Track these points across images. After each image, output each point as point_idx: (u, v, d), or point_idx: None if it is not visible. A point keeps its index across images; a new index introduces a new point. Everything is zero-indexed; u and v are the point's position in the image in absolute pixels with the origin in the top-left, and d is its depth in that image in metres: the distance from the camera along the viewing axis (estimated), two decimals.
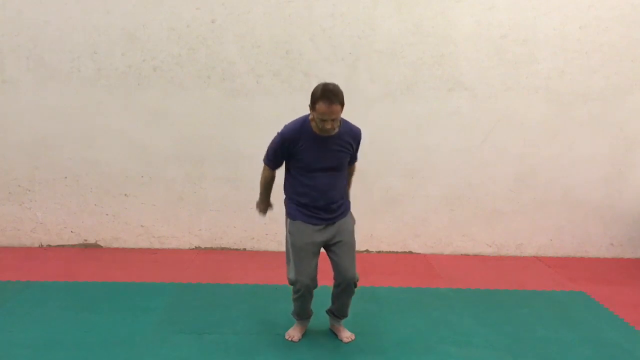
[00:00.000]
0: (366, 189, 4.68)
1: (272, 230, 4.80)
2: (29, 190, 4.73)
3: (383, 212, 4.84)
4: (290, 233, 3.01)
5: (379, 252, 4.91)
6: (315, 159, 2.88)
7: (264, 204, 3.22)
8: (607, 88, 4.69)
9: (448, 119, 4.71)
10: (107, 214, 4.78)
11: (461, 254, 4.92)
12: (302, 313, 3.16)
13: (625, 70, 4.67)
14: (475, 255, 4.91)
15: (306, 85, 4.47)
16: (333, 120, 2.76)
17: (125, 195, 4.76)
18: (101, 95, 4.60)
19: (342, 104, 2.77)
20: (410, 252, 4.91)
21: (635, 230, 4.92)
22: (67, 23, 4.49)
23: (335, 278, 3.04)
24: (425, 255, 4.88)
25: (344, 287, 3.03)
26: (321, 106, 2.72)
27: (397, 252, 4.91)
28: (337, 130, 2.86)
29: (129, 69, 4.57)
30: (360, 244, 4.75)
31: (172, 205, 4.79)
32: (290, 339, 3.13)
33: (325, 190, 2.92)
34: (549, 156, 4.80)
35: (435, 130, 4.73)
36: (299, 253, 2.96)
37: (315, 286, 3.03)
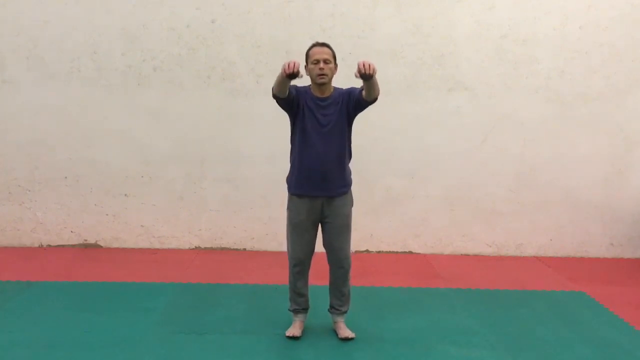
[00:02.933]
0: (366, 189, 4.67)
1: (272, 230, 4.80)
2: (29, 190, 4.73)
3: (383, 212, 4.84)
4: (288, 209, 3.11)
5: (379, 252, 4.90)
6: (313, 120, 2.98)
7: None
8: (607, 88, 4.69)
9: (448, 119, 4.71)
10: (107, 214, 4.78)
11: (461, 254, 4.92)
12: (297, 299, 3.17)
13: (625, 70, 4.67)
14: (475, 255, 4.91)
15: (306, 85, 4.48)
16: (325, 61, 2.92)
17: (125, 195, 4.76)
18: (101, 95, 4.60)
19: (333, 53, 2.98)
20: (410, 252, 4.91)
21: (635, 230, 4.92)
22: (67, 23, 4.50)
23: (328, 260, 3.13)
24: (425, 255, 4.88)
25: (337, 269, 3.11)
26: (314, 49, 2.99)
27: (397, 252, 4.91)
28: (330, 78, 2.96)
29: (129, 69, 4.57)
30: (360, 244, 4.77)
31: (172, 205, 4.79)
32: (291, 335, 3.13)
33: (323, 157, 2.97)
34: (549, 156, 4.79)
35: (435, 130, 4.73)
36: (294, 228, 3.08)
37: (308, 263, 3.12)
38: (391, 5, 4.54)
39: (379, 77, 4.58)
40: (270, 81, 4.54)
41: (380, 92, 4.71)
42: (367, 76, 2.73)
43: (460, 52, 4.62)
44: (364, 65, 2.71)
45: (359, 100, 2.95)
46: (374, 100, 2.94)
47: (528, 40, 4.61)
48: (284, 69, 2.77)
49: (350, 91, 3.01)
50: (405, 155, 4.76)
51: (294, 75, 2.76)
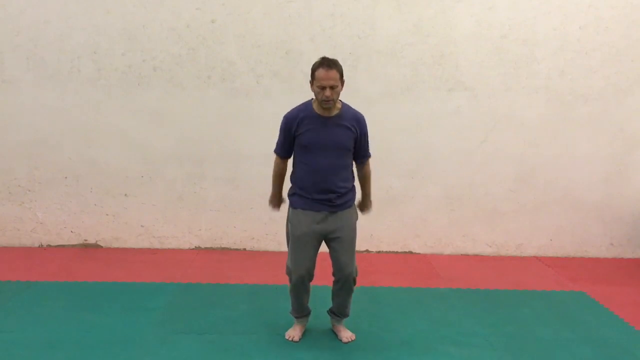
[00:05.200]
0: None
1: (272, 230, 4.80)
2: (29, 190, 4.73)
3: (383, 212, 4.84)
4: (290, 222, 3.03)
5: (379, 252, 4.91)
6: (316, 138, 2.90)
7: (277, 198, 3.20)
8: (607, 88, 4.69)
9: (448, 119, 4.71)
10: (107, 214, 4.78)
11: (461, 254, 4.92)
12: (299, 308, 3.15)
13: (625, 70, 4.67)
14: (475, 255, 4.91)
15: (306, 85, 4.44)
16: (332, 87, 2.80)
17: (125, 195, 4.76)
18: (101, 95, 4.60)
19: (340, 73, 2.84)
20: (410, 252, 4.91)
21: (635, 230, 4.92)
22: (67, 23, 4.49)
23: (334, 274, 3.06)
24: (425, 255, 4.88)
25: (343, 284, 3.05)
26: (320, 72, 2.81)
27: (397, 252, 4.91)
28: (336, 101, 2.89)
29: (129, 69, 4.57)
30: (360, 244, 4.74)
31: (172, 205, 4.79)
32: (290, 339, 3.13)
33: (326, 173, 2.91)
34: (549, 156, 4.80)
35: (435, 130, 4.73)
36: (296, 243, 2.98)
37: (311, 279, 3.05)
38: (391, 5, 4.54)
39: (379, 76, 4.61)
40: (270, 81, 4.60)
41: (380, 93, 4.72)
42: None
43: (460, 52, 4.62)
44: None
45: (354, 156, 3.07)
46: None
47: (528, 40, 4.61)
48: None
49: (363, 136, 3.02)
50: (405, 155, 4.76)
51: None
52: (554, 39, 4.61)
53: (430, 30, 4.58)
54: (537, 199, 4.86)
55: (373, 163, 4.66)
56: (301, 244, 2.96)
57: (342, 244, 2.98)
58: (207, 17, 4.52)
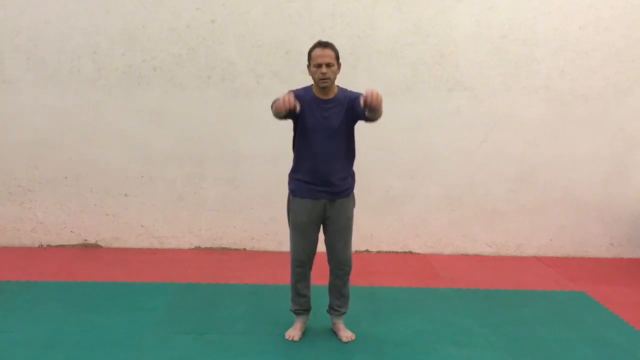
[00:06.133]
0: (366, 189, 4.67)
1: (272, 230, 4.80)
2: (29, 190, 4.73)
3: (383, 212, 4.84)
4: (290, 209, 3.09)
5: (379, 252, 4.90)
6: (315, 123, 2.94)
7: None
8: (607, 88, 4.69)
9: (448, 119, 4.71)
10: (107, 214, 4.78)
11: (461, 254, 4.92)
12: (299, 300, 3.16)
13: (625, 70, 4.67)
14: (475, 255, 4.91)
15: (306, 85, 4.48)
16: (328, 65, 2.86)
17: (125, 195, 4.76)
18: (101, 95, 4.60)
19: (336, 53, 2.92)
20: (410, 252, 4.91)
21: (635, 230, 4.92)
22: (67, 23, 4.50)
23: (328, 261, 3.13)
24: (425, 255, 4.88)
25: (337, 271, 3.11)
26: (316, 51, 2.91)
27: (397, 252, 4.91)
28: (333, 81, 2.92)
29: (129, 69, 4.57)
30: (360, 244, 4.77)
31: (172, 205, 4.79)
32: (290, 338, 3.13)
33: (325, 160, 2.95)
34: (549, 156, 4.80)
35: (435, 130, 4.73)
36: (296, 230, 3.06)
37: (311, 264, 3.12)
38: (391, 5, 4.54)
39: (379, 76, 4.61)
40: (270, 81, 4.59)
41: (381, 92, 4.68)
42: (372, 107, 2.69)
43: (460, 52, 4.62)
44: (372, 94, 2.64)
45: (359, 114, 2.92)
46: (375, 121, 2.90)
47: (528, 40, 4.61)
48: (281, 106, 2.73)
49: (355, 98, 2.94)
50: (405, 155, 4.76)
51: (292, 111, 2.77)
52: (554, 39, 4.62)
53: (430, 30, 4.58)
54: (537, 199, 4.86)
55: (373, 163, 4.68)
56: (301, 231, 3.04)
57: (337, 230, 3.05)
58: (207, 17, 4.52)
